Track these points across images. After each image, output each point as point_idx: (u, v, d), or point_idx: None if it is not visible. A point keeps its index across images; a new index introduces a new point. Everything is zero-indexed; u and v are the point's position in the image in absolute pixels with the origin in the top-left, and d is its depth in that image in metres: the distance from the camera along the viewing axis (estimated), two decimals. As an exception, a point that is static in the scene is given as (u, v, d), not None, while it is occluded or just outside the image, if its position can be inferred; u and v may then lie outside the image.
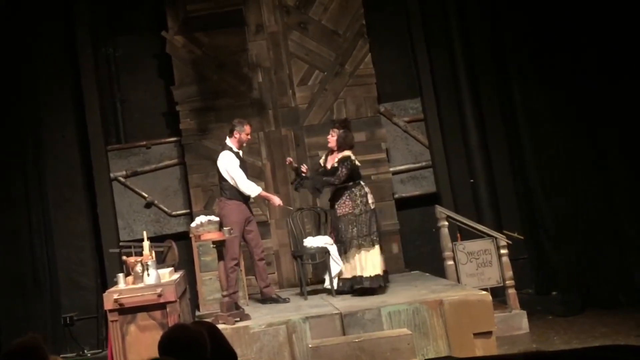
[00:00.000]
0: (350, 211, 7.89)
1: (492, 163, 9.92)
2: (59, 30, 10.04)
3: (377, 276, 7.78)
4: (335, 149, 8.05)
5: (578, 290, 8.92)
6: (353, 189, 7.93)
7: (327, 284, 8.13)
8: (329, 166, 8.08)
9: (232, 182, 7.99)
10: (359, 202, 7.89)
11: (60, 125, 9.96)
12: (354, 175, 7.96)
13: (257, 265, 8.17)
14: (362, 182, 8.02)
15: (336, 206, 7.99)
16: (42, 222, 9.70)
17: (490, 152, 9.94)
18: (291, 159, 8.33)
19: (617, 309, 8.49)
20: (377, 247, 7.85)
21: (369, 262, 7.79)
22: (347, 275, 7.88)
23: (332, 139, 8.06)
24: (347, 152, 7.96)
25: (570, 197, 9.32)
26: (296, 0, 10.05)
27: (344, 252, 7.90)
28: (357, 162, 7.99)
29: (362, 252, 7.81)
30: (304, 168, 8.18)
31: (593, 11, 9.06)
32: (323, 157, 8.30)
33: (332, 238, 8.10)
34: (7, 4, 9.65)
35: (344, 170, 7.86)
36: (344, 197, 7.94)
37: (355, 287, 7.78)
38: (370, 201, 7.94)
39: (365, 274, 7.77)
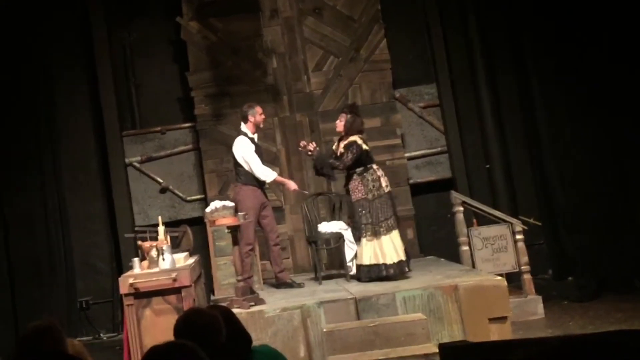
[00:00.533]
0: (363, 196, 7.83)
1: (508, 149, 9.88)
2: (73, 14, 10.07)
3: (399, 262, 7.68)
4: (343, 133, 8.03)
5: (594, 276, 8.87)
6: (365, 174, 7.87)
7: (353, 271, 8.07)
8: (338, 152, 8.06)
9: (247, 168, 7.98)
10: (371, 186, 7.84)
11: (75, 110, 10.01)
12: (363, 160, 7.88)
13: (272, 250, 8.17)
14: (374, 166, 7.93)
15: (350, 192, 7.97)
16: (57, 207, 9.76)
17: (507, 138, 9.90)
18: (304, 143, 8.24)
19: (633, 294, 8.44)
20: (395, 232, 7.77)
21: (389, 249, 7.69)
22: (366, 262, 7.75)
23: (340, 124, 8.03)
24: (354, 137, 7.91)
25: (587, 183, 9.26)
26: (311, -15, 10.02)
27: (358, 238, 7.84)
28: (365, 147, 7.90)
29: (380, 238, 7.72)
30: (311, 146, 8.08)
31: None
32: (335, 143, 8.27)
33: (349, 224, 8.06)
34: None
35: (349, 155, 7.81)
36: (356, 183, 7.89)
37: (378, 275, 7.67)
38: (383, 185, 7.86)
39: (387, 261, 7.68)
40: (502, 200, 9.58)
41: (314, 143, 8.17)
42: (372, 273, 7.70)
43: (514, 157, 9.89)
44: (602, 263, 9.00)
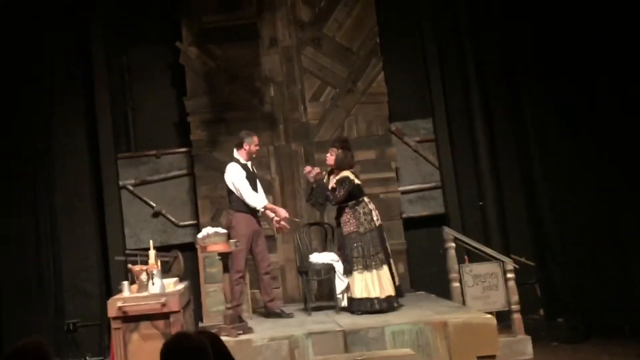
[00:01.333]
0: (354, 230, 7.86)
1: (502, 186, 9.90)
2: (72, 38, 10.10)
3: (388, 297, 7.73)
4: (335, 168, 8.06)
5: (584, 318, 8.85)
6: (356, 207, 7.92)
7: (344, 303, 8.04)
8: (329, 187, 8.08)
9: (237, 194, 7.99)
10: (362, 220, 7.87)
11: (71, 132, 10.01)
12: (355, 194, 7.93)
13: (262, 279, 8.14)
14: (365, 199, 7.98)
15: (341, 225, 7.98)
16: (49, 228, 9.72)
17: (501, 176, 9.93)
18: (309, 168, 8.21)
19: (622, 338, 8.43)
20: (385, 266, 7.80)
21: (379, 283, 7.73)
22: (357, 295, 7.78)
23: (331, 158, 8.08)
24: (346, 173, 7.95)
25: (580, 224, 9.28)
26: (311, 16, 10.08)
27: (349, 271, 7.84)
28: (357, 181, 7.95)
29: (371, 272, 7.74)
30: (315, 171, 8.06)
31: (607, 33, 9.04)
32: (326, 175, 8.28)
33: (339, 256, 8.05)
34: (22, 12, 9.70)
35: (341, 191, 7.87)
36: (348, 216, 7.93)
37: (368, 309, 7.68)
38: (375, 218, 7.91)
39: (377, 295, 7.70)
40: (495, 238, 9.57)
41: (318, 168, 8.17)
42: (362, 306, 7.73)
43: (508, 195, 9.91)
44: (593, 305, 8.98)
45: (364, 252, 7.79)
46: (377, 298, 7.71)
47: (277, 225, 8.07)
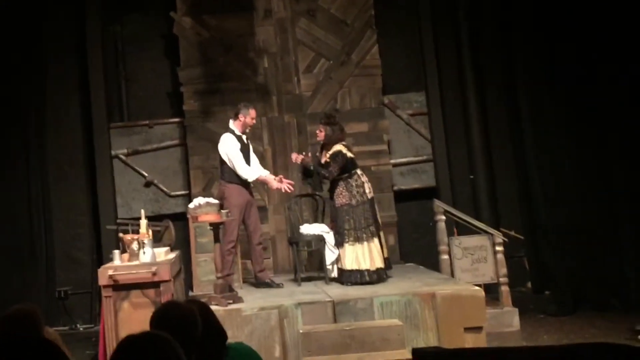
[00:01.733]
0: (347, 202, 7.91)
1: (493, 161, 9.95)
2: (67, 6, 10.06)
3: (378, 270, 7.80)
4: (325, 143, 8.11)
5: (571, 291, 8.94)
6: (349, 180, 7.96)
7: (335, 274, 8.12)
8: (322, 161, 8.13)
9: (230, 165, 8.02)
10: (355, 192, 7.92)
11: (64, 101, 10.02)
12: (347, 167, 7.98)
13: (254, 249, 8.20)
14: (358, 172, 8.03)
15: (334, 197, 8.03)
16: (41, 196, 9.75)
17: (492, 150, 9.97)
18: (297, 155, 8.29)
19: (609, 312, 8.50)
20: (376, 239, 7.88)
21: (369, 255, 7.80)
22: (347, 267, 7.86)
23: (321, 135, 8.14)
24: (338, 146, 8.00)
25: (570, 199, 9.32)
26: (306, -13, 10.06)
27: (341, 243, 7.91)
28: (349, 154, 8.00)
29: (362, 244, 7.81)
30: (300, 158, 8.15)
31: (603, 15, 9.04)
32: (319, 152, 8.33)
33: (331, 228, 8.11)
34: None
35: (335, 166, 7.92)
36: (340, 188, 7.98)
37: (358, 280, 7.76)
38: (367, 191, 7.96)
39: (367, 267, 7.78)
40: (485, 212, 9.64)
41: (301, 155, 8.21)
42: (352, 278, 7.80)
43: (499, 169, 9.96)
44: (581, 279, 9.06)
45: (355, 224, 7.85)
46: (367, 270, 7.78)
47: (282, 189, 8.08)
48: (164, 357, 2.59)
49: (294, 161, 8.32)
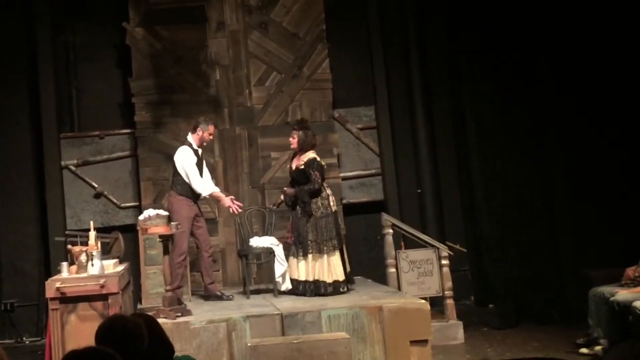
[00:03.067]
0: (311, 213, 7.98)
1: (439, 175, 10.13)
2: (17, 15, 9.98)
3: (335, 282, 7.87)
4: (298, 150, 8.15)
5: (514, 305, 9.13)
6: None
7: (285, 287, 8.17)
8: (293, 167, 8.18)
9: (185, 178, 8.06)
10: (320, 204, 7.99)
11: (14, 110, 9.91)
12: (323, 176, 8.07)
13: (204, 261, 8.24)
14: (324, 184, 8.12)
15: (297, 207, 8.07)
16: (-12, 206, 9.64)
17: (439, 165, 10.15)
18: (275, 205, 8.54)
19: (550, 325, 8.70)
20: (337, 252, 7.94)
21: (330, 268, 7.87)
22: (309, 278, 7.90)
23: (294, 141, 8.15)
24: (312, 154, 8.06)
25: (513, 213, 9.56)
26: (258, 0, 10.12)
27: (303, 254, 7.96)
28: (323, 163, 8.10)
29: (323, 257, 7.88)
30: (281, 199, 8.29)
31: (549, 29, 9.29)
32: (290, 162, 8.40)
33: (290, 238, 8.13)
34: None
35: (315, 172, 7.95)
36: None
37: (317, 292, 7.83)
38: (331, 203, 8.05)
39: (326, 279, 7.85)
40: (431, 225, 9.80)
41: (281, 196, 8.30)
42: (310, 289, 7.87)
43: (445, 183, 10.14)
44: (523, 292, 9.28)
45: (318, 236, 7.91)
46: (324, 282, 7.85)
47: (231, 210, 8.19)
48: None
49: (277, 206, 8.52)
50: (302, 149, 8.09)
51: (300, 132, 8.08)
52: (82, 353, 2.70)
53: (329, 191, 8.10)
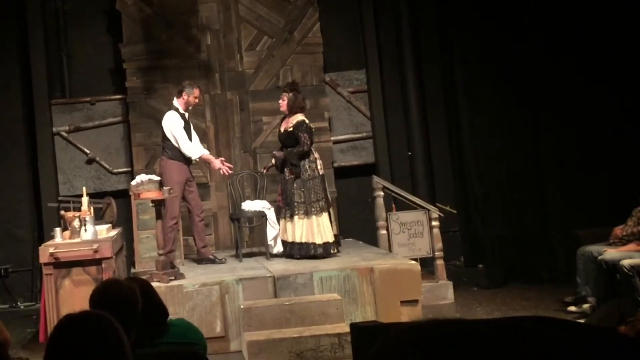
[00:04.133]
0: (298, 175, 8.03)
1: (430, 138, 10.18)
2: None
3: (326, 244, 7.94)
4: (287, 112, 8.19)
5: (503, 264, 9.25)
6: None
7: (277, 250, 8.25)
8: (282, 129, 8.22)
9: (174, 143, 8.10)
10: (307, 167, 8.04)
11: (4, 76, 9.89)
12: (312, 139, 8.11)
13: (196, 225, 8.31)
14: (312, 147, 8.17)
15: (285, 170, 8.13)
16: (-19, 174, 9.67)
17: (429, 127, 10.20)
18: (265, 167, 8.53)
19: (539, 284, 8.83)
20: (325, 214, 8.01)
21: (318, 230, 7.93)
22: (297, 240, 7.96)
23: (283, 103, 8.18)
24: (301, 116, 8.09)
25: (502, 175, 9.63)
26: (249, -36, 10.07)
27: (290, 216, 8.01)
28: (311, 125, 8.13)
29: (311, 218, 7.93)
30: (271, 163, 8.33)
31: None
32: (279, 124, 8.45)
33: (281, 202, 8.19)
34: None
35: (305, 134, 7.98)
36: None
37: (307, 254, 7.89)
38: (319, 167, 8.10)
39: (316, 241, 7.92)
40: (422, 187, 9.86)
41: (272, 160, 8.34)
42: (302, 251, 7.93)
43: (435, 145, 10.20)
44: (512, 252, 9.40)
45: (305, 198, 7.97)
46: (314, 244, 7.91)
47: (222, 171, 8.26)
48: (103, 337, 2.60)
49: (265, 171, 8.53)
50: (291, 111, 8.12)
51: (290, 94, 8.11)
52: (77, 317, 2.72)
53: (316, 155, 8.15)
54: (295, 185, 7.99)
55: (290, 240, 8.01)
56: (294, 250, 7.98)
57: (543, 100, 9.30)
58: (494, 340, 1.59)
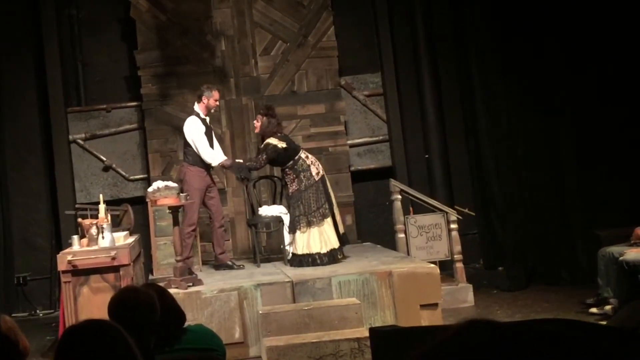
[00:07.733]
0: (297, 188, 8.04)
1: (447, 140, 10.13)
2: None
3: (332, 251, 7.91)
4: (260, 135, 8.26)
5: (523, 267, 9.16)
6: (295, 167, 8.09)
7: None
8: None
9: (194, 149, 8.10)
10: (302, 177, 8.05)
11: (20, 85, 9.94)
12: (284, 158, 8.08)
13: (216, 231, 8.28)
14: (302, 156, 8.11)
15: (287, 186, 8.15)
16: (-1, 182, 9.70)
17: (447, 130, 10.15)
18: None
19: (560, 285, 8.73)
20: (328, 219, 7.99)
21: (320, 238, 7.91)
22: (298, 252, 7.94)
23: (257, 125, 8.26)
24: (270, 140, 8.10)
25: (521, 176, 9.53)
26: (262, -31, 10.07)
27: (292, 230, 8.01)
28: (281, 145, 8.05)
29: (313, 228, 7.91)
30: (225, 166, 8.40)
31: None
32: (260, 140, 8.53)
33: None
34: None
35: (264, 156, 8.08)
36: (291, 177, 8.11)
37: (308, 265, 7.85)
38: (313, 173, 8.05)
39: (318, 251, 7.89)
40: (439, 190, 9.81)
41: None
42: (304, 263, 7.90)
43: (453, 148, 10.14)
44: (532, 254, 9.30)
45: (305, 209, 7.95)
46: (318, 253, 7.89)
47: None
48: (110, 346, 2.55)
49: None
50: (262, 134, 8.19)
51: (264, 119, 8.14)
52: (78, 328, 2.64)
53: (309, 161, 8.11)
54: (294, 199, 8.01)
55: (299, 252, 7.96)
56: (294, 263, 7.98)
57: (562, 100, 9.20)
58: (525, 342, 1.55)
